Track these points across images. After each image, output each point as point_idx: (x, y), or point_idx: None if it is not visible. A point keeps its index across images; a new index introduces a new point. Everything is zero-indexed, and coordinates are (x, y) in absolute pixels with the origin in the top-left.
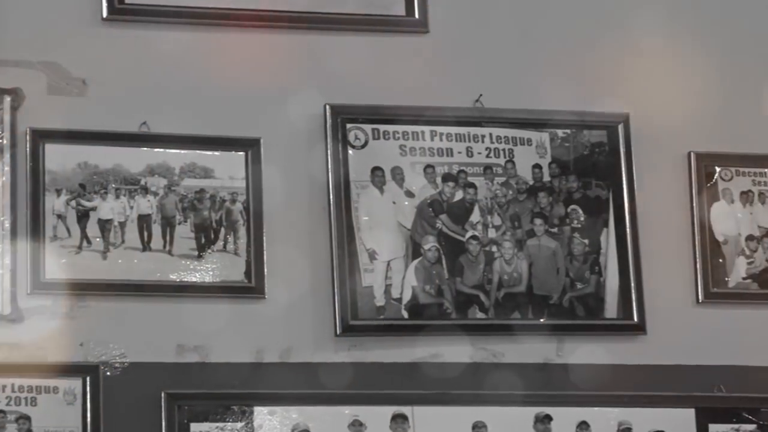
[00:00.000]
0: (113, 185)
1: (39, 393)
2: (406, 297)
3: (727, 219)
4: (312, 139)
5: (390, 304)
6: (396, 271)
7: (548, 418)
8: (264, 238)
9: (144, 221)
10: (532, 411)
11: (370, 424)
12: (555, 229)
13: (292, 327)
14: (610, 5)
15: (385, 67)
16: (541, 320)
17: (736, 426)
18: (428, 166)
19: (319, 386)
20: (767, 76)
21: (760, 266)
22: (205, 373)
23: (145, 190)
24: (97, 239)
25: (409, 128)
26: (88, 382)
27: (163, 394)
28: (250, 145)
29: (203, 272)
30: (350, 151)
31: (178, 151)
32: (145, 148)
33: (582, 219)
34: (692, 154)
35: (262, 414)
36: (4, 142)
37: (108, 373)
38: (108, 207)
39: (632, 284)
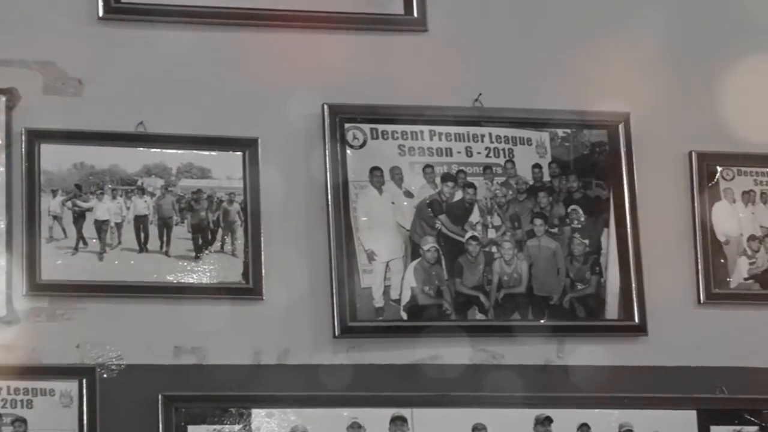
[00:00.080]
0: (109, 186)
1: (35, 395)
2: (405, 298)
3: (729, 219)
4: (310, 139)
5: (389, 305)
6: (395, 272)
7: (548, 420)
8: (262, 238)
9: (141, 222)
10: (533, 413)
11: (369, 426)
12: (555, 230)
13: (290, 328)
14: (610, 5)
15: (383, 66)
16: (542, 321)
17: (738, 428)
18: (427, 166)
19: (317, 388)
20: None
21: (762, 267)
22: (203, 375)
23: (142, 191)
24: (94, 240)
25: (408, 128)
26: (84, 385)
27: (160, 397)
28: (247, 145)
29: (200, 273)
30: (348, 151)
31: (174, 151)
32: (142, 149)
33: (582, 219)
34: (693, 153)
35: (260, 416)
36: (0, 142)
37: (105, 376)
38: (104, 208)
39: (633, 285)
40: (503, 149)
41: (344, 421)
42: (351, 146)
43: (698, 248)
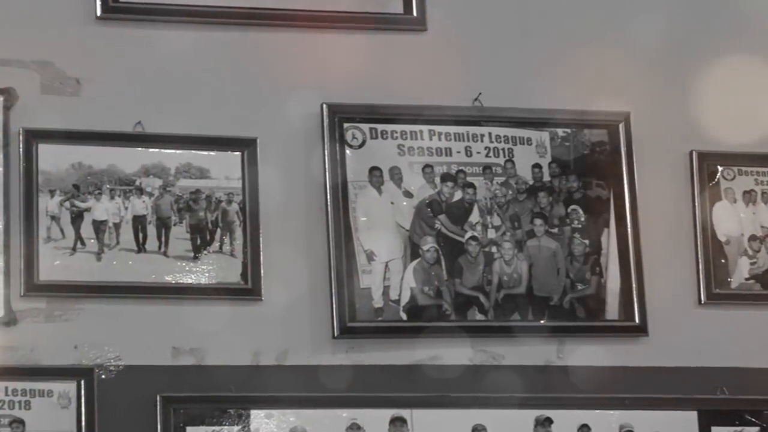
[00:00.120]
0: (108, 186)
1: (33, 396)
2: (405, 298)
3: (730, 219)
4: (309, 139)
5: (388, 306)
6: (394, 272)
7: (549, 420)
8: (260, 239)
9: (139, 222)
10: (533, 414)
11: (369, 427)
12: (555, 230)
13: (289, 329)
14: (610, 5)
15: (382, 65)
16: (542, 322)
17: (738, 428)
18: (427, 165)
19: (316, 389)
20: None
21: (763, 266)
22: (201, 375)
23: (140, 191)
24: (92, 240)
25: (408, 127)
26: (82, 386)
27: (158, 398)
28: (246, 145)
29: (199, 274)
30: (348, 151)
31: (173, 151)
32: (140, 148)
33: (582, 219)
34: (694, 153)
35: (258, 417)
36: None
37: (103, 376)
38: (102, 208)
39: (633, 285)
40: (503, 149)
41: (343, 421)
42: (350, 146)
43: (699, 248)
